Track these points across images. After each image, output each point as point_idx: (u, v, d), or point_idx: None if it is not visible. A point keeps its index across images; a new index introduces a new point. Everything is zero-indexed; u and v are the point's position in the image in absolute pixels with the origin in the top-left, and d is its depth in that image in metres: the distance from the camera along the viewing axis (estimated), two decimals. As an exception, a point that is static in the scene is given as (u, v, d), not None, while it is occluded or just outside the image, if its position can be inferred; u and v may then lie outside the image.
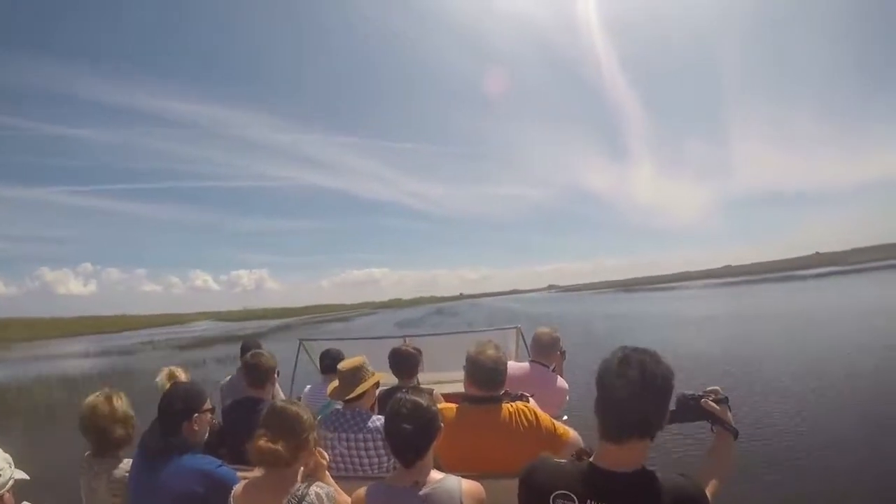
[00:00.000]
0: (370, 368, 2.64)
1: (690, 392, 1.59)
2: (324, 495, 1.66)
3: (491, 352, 2.18)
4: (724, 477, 1.49)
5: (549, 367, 3.08)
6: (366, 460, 2.43)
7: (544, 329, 3.22)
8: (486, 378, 2.15)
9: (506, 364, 2.20)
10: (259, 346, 3.83)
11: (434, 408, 1.75)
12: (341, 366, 2.63)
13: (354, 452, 2.43)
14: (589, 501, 1.28)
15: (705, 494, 1.32)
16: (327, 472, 1.87)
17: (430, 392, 2.95)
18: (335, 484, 1.84)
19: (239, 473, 1.93)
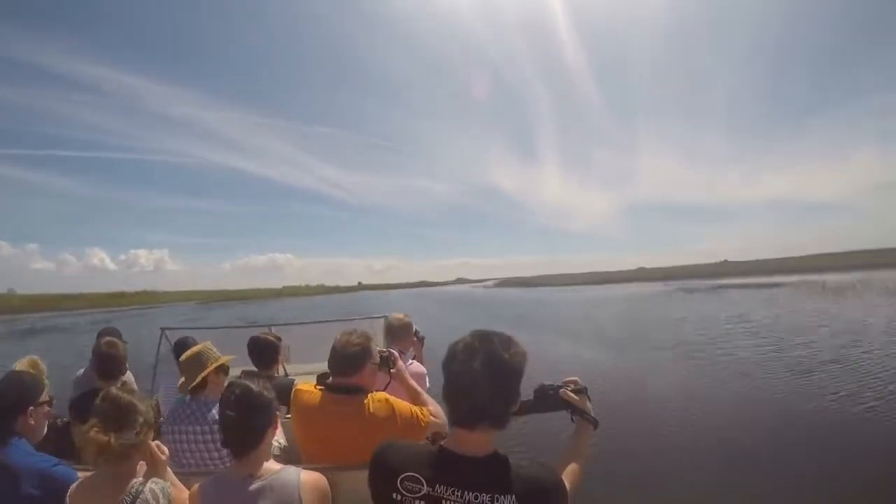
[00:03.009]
0: (213, 353, 2.66)
1: (549, 382, 1.77)
2: (158, 491, 1.66)
3: (348, 337, 2.30)
4: (583, 465, 1.65)
5: (404, 354, 3.27)
6: (206, 454, 2.44)
7: (396, 315, 3.48)
8: (335, 363, 2.28)
9: (362, 350, 2.30)
10: (117, 335, 3.75)
11: (267, 395, 1.77)
12: (182, 357, 2.65)
13: (194, 446, 2.45)
14: (438, 485, 1.34)
15: (561, 483, 1.41)
16: (168, 468, 1.86)
17: (271, 377, 3.11)
18: (176, 479, 1.84)
19: (81, 473, 1.88)
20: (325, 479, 1.77)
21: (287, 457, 2.32)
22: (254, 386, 1.74)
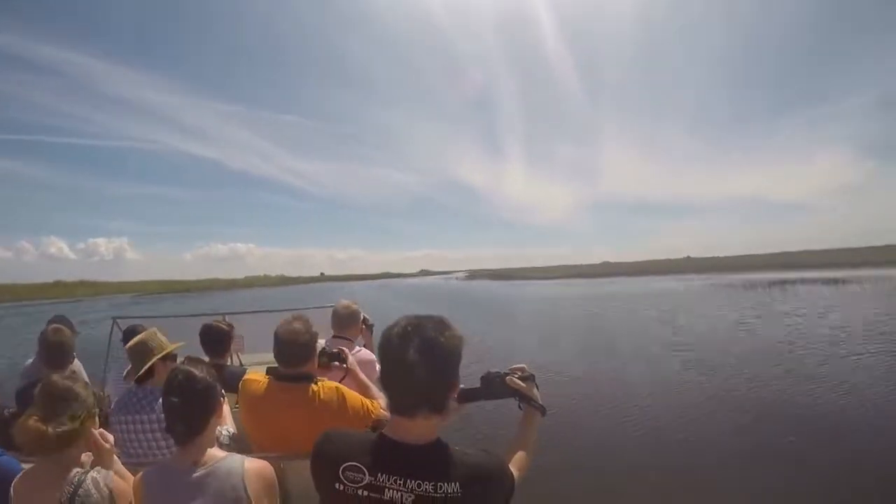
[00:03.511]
0: (160, 341, 2.64)
1: (496, 370, 1.78)
2: (100, 479, 1.64)
3: (293, 326, 2.31)
4: (531, 453, 1.69)
5: (352, 342, 3.26)
6: (153, 444, 2.43)
7: (342, 302, 3.44)
8: (280, 352, 2.30)
9: (308, 339, 2.33)
10: (67, 323, 3.69)
11: (210, 380, 1.78)
12: (128, 346, 2.63)
13: (142, 436, 2.44)
14: (380, 474, 1.32)
15: (506, 470, 1.42)
16: (115, 458, 1.84)
17: (223, 366, 3.13)
18: (124, 469, 1.83)
19: (26, 466, 1.86)
20: (271, 467, 1.79)
21: (238, 446, 2.32)
22: (197, 371, 1.74)
